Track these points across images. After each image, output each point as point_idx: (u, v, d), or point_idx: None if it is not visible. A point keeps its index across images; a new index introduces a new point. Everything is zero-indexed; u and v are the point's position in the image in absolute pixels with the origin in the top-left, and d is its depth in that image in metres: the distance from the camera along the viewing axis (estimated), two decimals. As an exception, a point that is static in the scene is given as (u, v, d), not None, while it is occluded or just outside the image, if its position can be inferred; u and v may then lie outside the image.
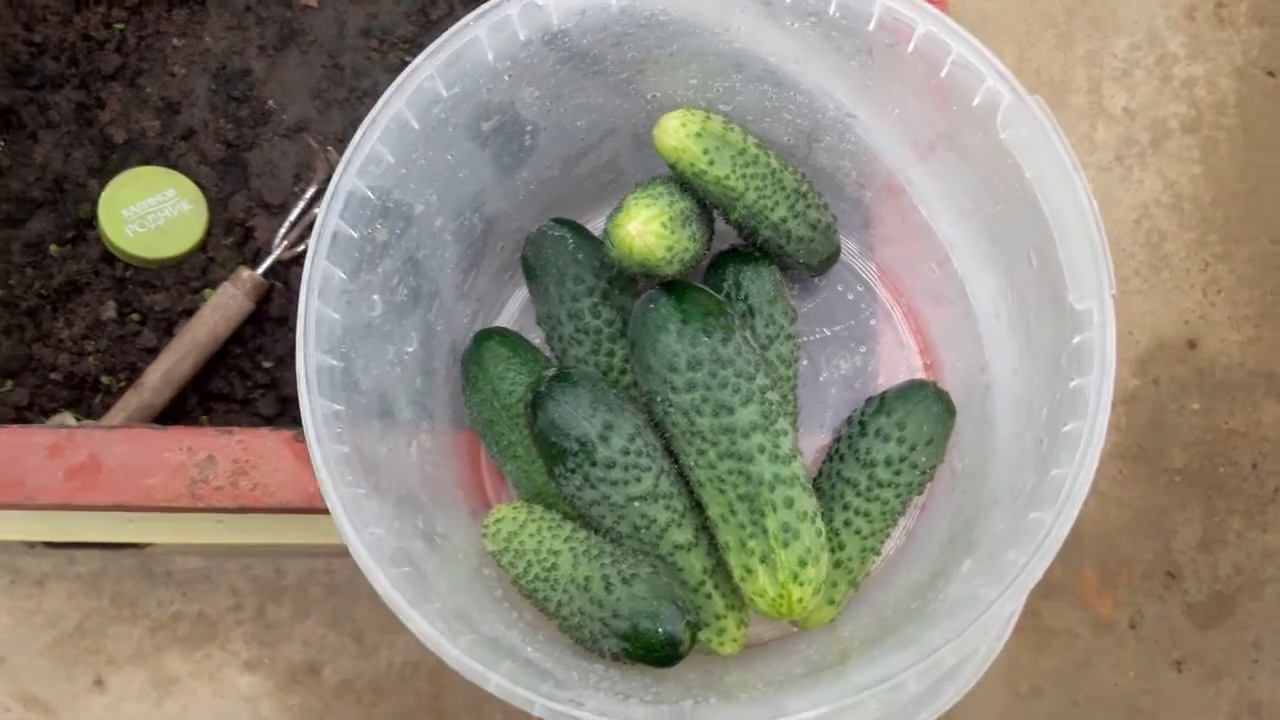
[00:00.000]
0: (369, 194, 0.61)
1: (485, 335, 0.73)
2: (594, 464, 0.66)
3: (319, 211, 0.60)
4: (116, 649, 1.15)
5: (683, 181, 0.69)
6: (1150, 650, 1.22)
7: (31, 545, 1.12)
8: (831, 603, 0.70)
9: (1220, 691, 1.20)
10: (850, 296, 0.78)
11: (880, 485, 0.70)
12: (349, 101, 0.94)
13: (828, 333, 0.78)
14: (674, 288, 0.67)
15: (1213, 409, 1.27)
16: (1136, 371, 1.26)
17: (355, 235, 0.61)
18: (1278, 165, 1.31)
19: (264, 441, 0.71)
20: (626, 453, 0.66)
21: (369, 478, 0.60)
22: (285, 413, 0.90)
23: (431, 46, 0.60)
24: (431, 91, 0.61)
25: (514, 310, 0.79)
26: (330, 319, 0.60)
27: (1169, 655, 1.22)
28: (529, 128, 0.69)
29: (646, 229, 0.65)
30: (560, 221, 0.74)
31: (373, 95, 0.94)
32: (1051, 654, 1.19)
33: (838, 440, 0.74)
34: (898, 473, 0.70)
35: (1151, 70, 1.34)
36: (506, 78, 0.64)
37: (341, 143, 0.93)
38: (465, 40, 0.61)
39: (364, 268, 0.62)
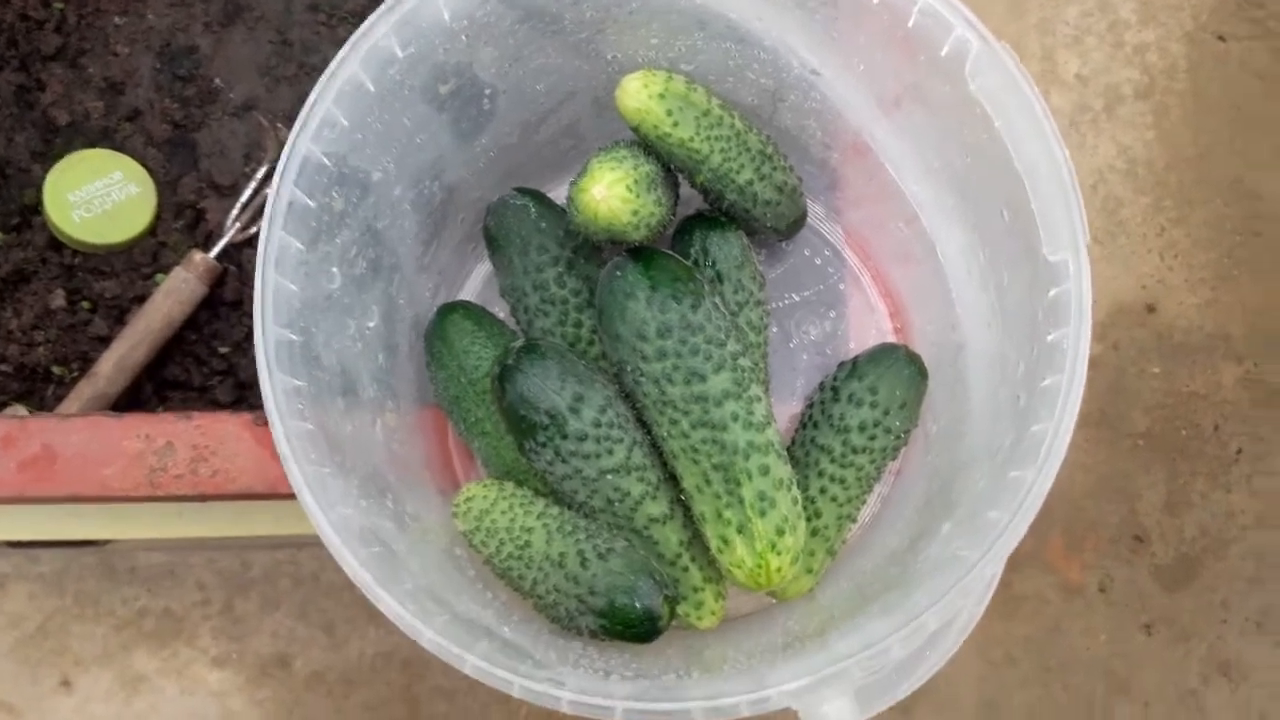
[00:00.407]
0: (324, 160, 0.59)
1: (449, 309, 0.72)
2: (565, 437, 0.64)
3: (274, 179, 0.58)
4: (82, 649, 1.12)
5: (646, 145, 0.67)
6: (1120, 614, 1.22)
7: (-10, 546, 1.09)
8: (809, 572, 0.69)
9: (1190, 652, 1.21)
10: (818, 261, 0.77)
11: (855, 451, 0.69)
12: (298, 78, 0.92)
13: (796, 298, 0.77)
14: (641, 254, 0.66)
15: (1173, 372, 1.28)
16: (1097, 336, 1.26)
17: (312, 204, 0.59)
18: (1228, 129, 1.32)
19: (224, 426, 0.69)
20: (598, 425, 0.64)
21: (334, 456, 0.58)
22: (243, 400, 0.87)
23: (386, 3, 0.58)
24: (386, 51, 0.59)
25: (477, 283, 0.77)
26: (288, 291, 0.58)
27: (1138, 618, 1.22)
28: (488, 91, 0.67)
29: (611, 192, 0.63)
30: (522, 191, 0.72)
31: (322, 70, 0.92)
32: (1022, 621, 1.20)
33: (810, 407, 0.73)
34: (872, 438, 0.69)
35: (1103, 36, 1.34)
36: (464, 37, 0.62)
37: (291, 120, 0.90)
38: (421, -3, 0.59)
39: (321, 238, 0.60)
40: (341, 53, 0.58)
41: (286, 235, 0.57)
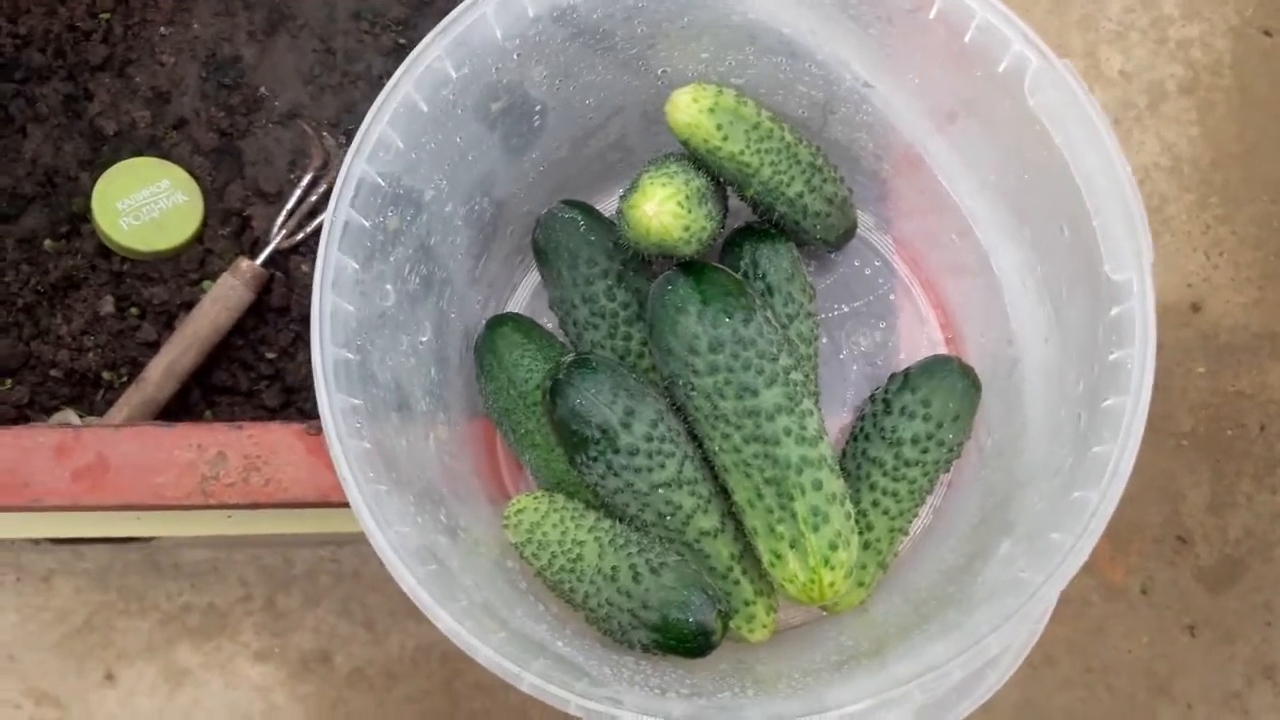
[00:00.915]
0: (379, 181, 0.59)
1: (498, 321, 0.72)
2: (616, 451, 0.64)
3: (330, 201, 0.58)
4: (126, 643, 1.13)
5: (696, 158, 0.67)
6: (1162, 616, 1.21)
7: (37, 541, 1.11)
8: (861, 585, 0.69)
9: (1234, 655, 1.20)
10: (868, 271, 0.77)
11: (907, 464, 0.69)
12: (342, 86, 0.92)
13: (846, 309, 0.76)
14: (692, 268, 0.65)
15: (1218, 372, 1.26)
16: (1143, 336, 1.25)
17: (367, 224, 0.59)
18: (1275, 125, 1.30)
19: (274, 436, 0.70)
20: (649, 439, 0.64)
21: (390, 473, 0.59)
22: (290, 404, 0.88)
23: (439, 26, 0.58)
24: (440, 72, 0.59)
25: (525, 295, 0.77)
26: (345, 311, 0.58)
27: (1181, 620, 1.21)
28: (538, 107, 0.67)
29: (663, 208, 0.63)
30: (570, 203, 0.72)
31: (366, 79, 0.92)
32: (1064, 622, 1.19)
33: (861, 419, 0.72)
34: (925, 451, 0.69)
35: (1146, 32, 1.33)
36: (515, 56, 0.62)
37: (336, 127, 0.91)
38: (473, 18, 0.59)
39: (376, 257, 0.60)
40: (396, 75, 0.58)
41: (343, 256, 0.57)
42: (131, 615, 1.13)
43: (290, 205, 0.89)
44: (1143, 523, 1.22)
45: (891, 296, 0.76)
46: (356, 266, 0.58)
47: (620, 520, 0.67)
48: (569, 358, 0.66)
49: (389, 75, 0.59)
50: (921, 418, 0.69)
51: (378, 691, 1.14)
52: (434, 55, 0.58)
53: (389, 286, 0.61)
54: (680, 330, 0.64)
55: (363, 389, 0.58)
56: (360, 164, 0.58)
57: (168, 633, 1.13)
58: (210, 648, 1.13)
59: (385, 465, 0.58)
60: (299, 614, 1.15)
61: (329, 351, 0.56)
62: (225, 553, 1.15)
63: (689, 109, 0.65)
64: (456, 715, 1.12)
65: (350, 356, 0.58)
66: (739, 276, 0.67)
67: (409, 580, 0.54)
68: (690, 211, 0.64)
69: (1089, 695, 1.18)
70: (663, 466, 0.65)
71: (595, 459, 0.65)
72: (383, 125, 0.58)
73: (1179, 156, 1.30)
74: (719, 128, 0.65)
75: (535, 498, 0.68)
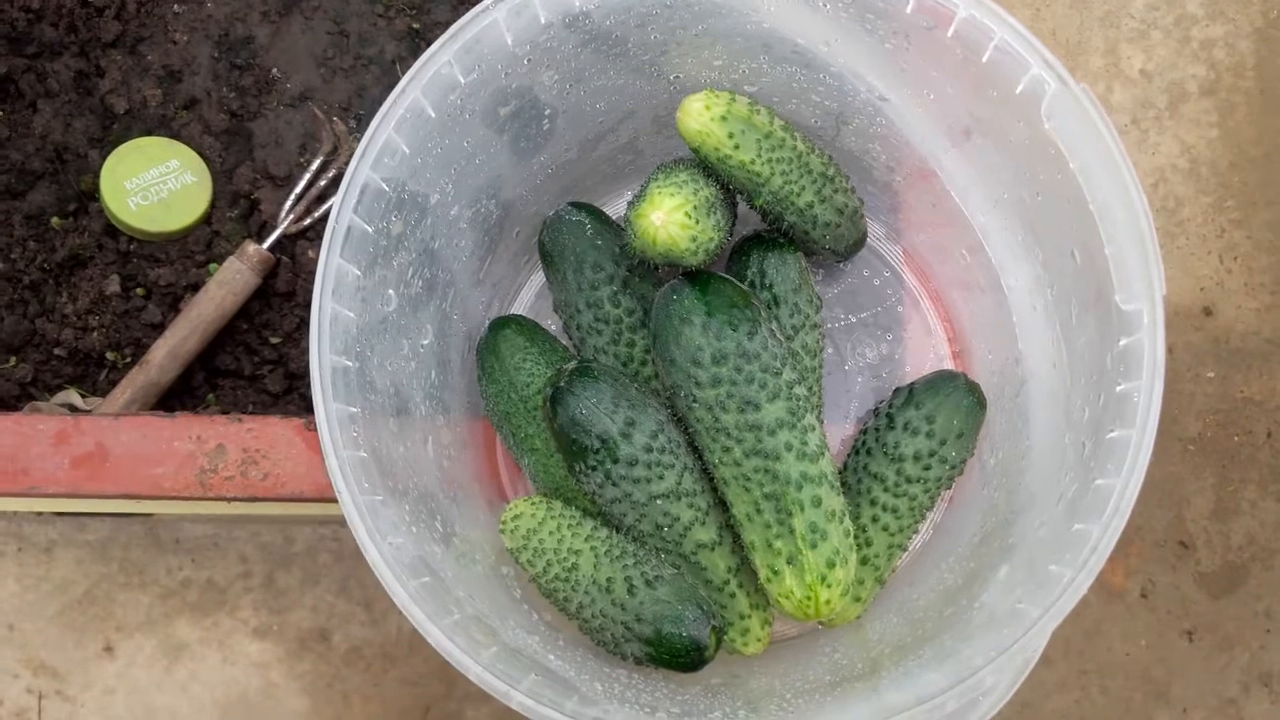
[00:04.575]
0: (384, 186, 0.58)
1: (501, 324, 0.71)
2: (616, 461, 0.64)
3: (333, 207, 0.57)
4: (126, 616, 1.14)
5: (706, 166, 0.66)
6: (1161, 619, 1.21)
7: (39, 513, 1.11)
8: (858, 600, 0.69)
9: (1231, 661, 1.20)
10: (877, 282, 0.76)
11: (909, 481, 0.68)
12: (355, 69, 0.91)
13: (853, 319, 0.76)
14: (698, 278, 0.65)
15: (1228, 377, 1.25)
16: (1154, 340, 1.24)
17: (370, 230, 0.58)
18: (1297, 129, 1.28)
19: (274, 430, 0.69)
20: (649, 450, 0.64)
21: (386, 481, 0.58)
22: (293, 389, 0.88)
23: (449, 31, 0.57)
24: (449, 78, 0.59)
25: (529, 296, 0.76)
26: (345, 318, 0.57)
27: (1180, 624, 1.21)
28: (547, 111, 0.66)
29: (670, 219, 0.62)
30: (578, 205, 0.71)
31: (379, 62, 0.91)
32: (1062, 623, 1.19)
33: (864, 433, 0.72)
34: (927, 468, 0.68)
35: (1169, 31, 1.31)
36: (526, 62, 0.61)
37: (347, 111, 0.90)
38: (484, 25, 0.58)
39: (379, 263, 0.59)
40: (404, 81, 0.57)
41: (345, 263, 0.57)
42: (132, 588, 1.14)
43: (299, 190, 0.88)
44: (1145, 526, 1.21)
45: (900, 308, 0.75)
46: (359, 273, 0.58)
47: (618, 530, 0.67)
48: (570, 365, 0.65)
49: (402, 59, 0.58)
50: (925, 434, 0.68)
51: (374, 672, 1.14)
52: (443, 61, 0.58)
53: (391, 291, 0.61)
54: (684, 341, 0.63)
55: (361, 396, 0.58)
56: (365, 170, 0.57)
57: (167, 607, 1.14)
58: (209, 623, 1.14)
59: (381, 473, 0.58)
60: (298, 592, 1.15)
61: (327, 360, 0.56)
62: (226, 529, 1.15)
63: (700, 116, 0.64)
64: (451, 699, 1.12)
65: (349, 364, 0.57)
66: (745, 288, 0.66)
67: (401, 595, 0.54)
68: (698, 222, 0.63)
69: (1084, 697, 1.18)
70: (661, 478, 0.64)
71: (594, 468, 0.64)
72: (389, 131, 0.57)
73: (1197, 159, 1.28)
74: (730, 136, 0.64)
75: (533, 503, 0.68)
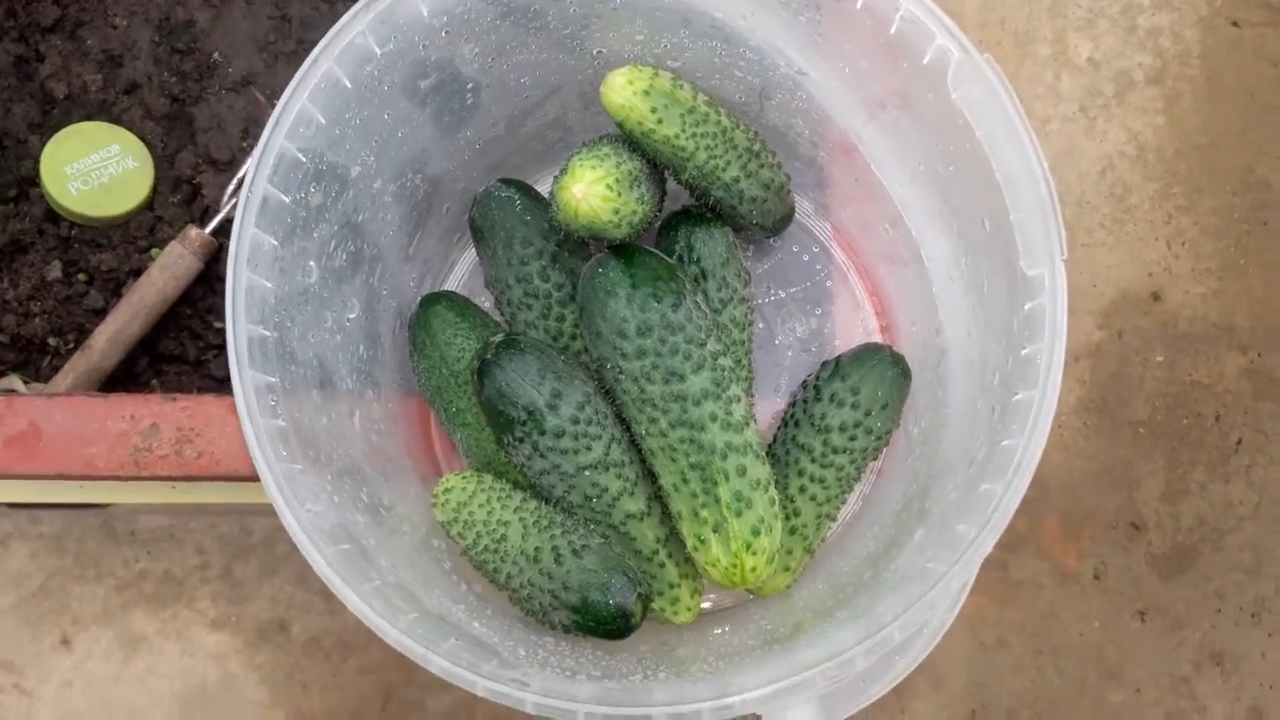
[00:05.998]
0: (300, 156, 0.59)
1: (432, 299, 0.72)
2: (543, 433, 0.64)
3: (246, 177, 0.58)
4: (82, 608, 1.14)
5: (631, 141, 0.67)
6: (1114, 601, 1.22)
7: (-8, 506, 1.11)
8: (787, 569, 0.70)
9: (1183, 641, 1.21)
10: (806, 258, 0.77)
11: (835, 451, 0.69)
12: (297, 54, 0.91)
13: (783, 295, 0.76)
14: (623, 251, 0.65)
15: (1176, 361, 1.27)
16: (1101, 324, 1.25)
17: (287, 200, 0.59)
18: (1240, 116, 1.29)
19: (209, 409, 0.69)
20: (576, 421, 0.65)
21: (306, 451, 0.59)
22: (237, 375, 0.88)
23: (362, 2, 0.58)
24: (363, 49, 0.59)
25: (462, 273, 0.77)
26: (262, 288, 0.58)
27: (1133, 606, 1.22)
28: (470, 85, 0.66)
29: (591, 191, 0.63)
30: (507, 182, 0.72)
31: (322, 47, 0.91)
32: (1016, 605, 1.20)
33: (792, 405, 0.73)
34: (853, 438, 0.69)
35: (1116, 20, 1.32)
36: (444, 34, 0.62)
37: (290, 97, 0.90)
38: (398, -6, 0.59)
39: (298, 233, 0.60)
40: (316, 50, 0.58)
41: (260, 232, 0.57)
42: (88, 581, 1.13)
43: (241, 174, 0.88)
44: (1097, 509, 1.22)
45: (828, 283, 0.76)
46: (275, 243, 0.58)
47: (547, 502, 0.67)
48: (497, 338, 0.66)
49: (346, 44, 0.58)
50: (850, 405, 0.69)
51: (333, 662, 1.14)
52: (356, 31, 0.58)
53: (312, 263, 0.61)
54: (609, 313, 0.64)
55: (280, 366, 0.58)
56: (279, 139, 0.57)
57: (124, 599, 1.13)
58: (166, 615, 1.14)
59: (301, 443, 0.58)
60: (256, 583, 1.15)
61: (243, 329, 0.56)
62: (182, 520, 1.15)
63: (623, 91, 0.64)
64: (411, 686, 1.12)
65: (266, 334, 0.58)
66: (671, 261, 0.67)
67: (318, 560, 0.55)
68: (620, 195, 0.64)
69: (1039, 678, 1.19)
70: (589, 449, 0.65)
71: (521, 440, 0.65)
72: (303, 100, 0.58)
73: (1144, 146, 1.30)
74: (654, 110, 0.65)
75: (464, 477, 0.69)
